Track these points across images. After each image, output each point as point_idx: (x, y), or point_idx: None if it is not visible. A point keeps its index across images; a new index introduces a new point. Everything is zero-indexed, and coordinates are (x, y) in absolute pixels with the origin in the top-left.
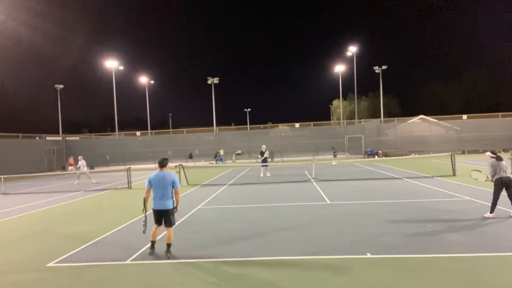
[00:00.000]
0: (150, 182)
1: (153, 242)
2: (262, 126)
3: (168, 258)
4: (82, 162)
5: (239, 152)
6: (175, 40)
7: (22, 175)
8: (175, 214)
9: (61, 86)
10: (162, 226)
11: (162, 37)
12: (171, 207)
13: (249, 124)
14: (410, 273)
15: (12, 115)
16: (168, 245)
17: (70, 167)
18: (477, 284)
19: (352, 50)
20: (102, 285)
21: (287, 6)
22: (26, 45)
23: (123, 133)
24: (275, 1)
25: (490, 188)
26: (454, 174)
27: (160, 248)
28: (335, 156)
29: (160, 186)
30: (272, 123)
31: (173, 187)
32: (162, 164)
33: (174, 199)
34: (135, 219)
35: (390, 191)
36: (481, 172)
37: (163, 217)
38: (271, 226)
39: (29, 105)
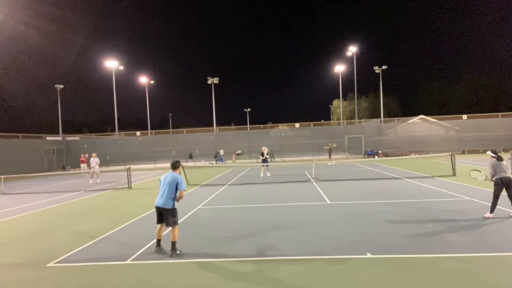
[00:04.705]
0: (160, 181)
1: (158, 240)
2: (262, 126)
3: (171, 256)
4: (95, 160)
5: (239, 152)
6: (175, 40)
7: (22, 175)
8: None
9: (61, 86)
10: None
11: (162, 37)
12: (170, 207)
13: (249, 124)
14: (410, 273)
15: (12, 115)
16: (172, 244)
17: (82, 165)
18: (477, 284)
19: (352, 50)
20: (102, 285)
21: (287, 7)
22: (26, 45)
23: (123, 133)
24: (275, 1)
25: (490, 188)
26: (454, 174)
27: (166, 246)
28: (330, 156)
29: (165, 185)
30: (272, 123)
31: (177, 188)
32: (174, 166)
33: (175, 201)
34: (135, 219)
35: (390, 191)
36: (480, 171)
37: (164, 216)
38: (271, 226)
39: (29, 105)
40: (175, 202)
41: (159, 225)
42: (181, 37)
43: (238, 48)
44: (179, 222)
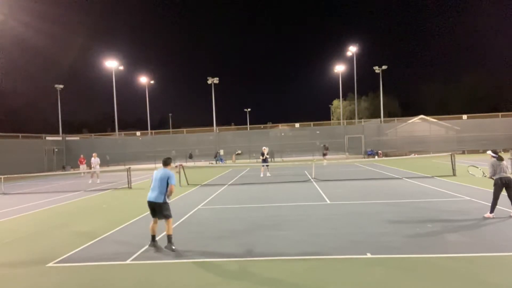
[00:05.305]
0: (152, 177)
1: (152, 236)
2: (262, 126)
3: (166, 248)
4: (95, 160)
5: (239, 152)
6: (175, 40)
7: (22, 175)
8: (169, 203)
9: (61, 86)
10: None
11: (162, 37)
12: (161, 201)
13: (249, 124)
14: (410, 273)
15: (12, 115)
16: (168, 237)
17: (81, 166)
18: (477, 284)
19: (352, 50)
20: (102, 285)
21: (287, 7)
22: (26, 45)
23: (123, 133)
24: (275, 1)
25: (490, 188)
26: (454, 174)
27: (162, 244)
28: (324, 155)
29: (157, 181)
30: (272, 123)
31: (168, 183)
32: (166, 162)
33: (166, 196)
34: (135, 219)
35: (390, 191)
36: (477, 168)
37: (156, 210)
38: (271, 226)
39: (29, 105)
40: (167, 198)
41: (153, 220)
42: (181, 37)
43: (238, 48)
44: (179, 222)
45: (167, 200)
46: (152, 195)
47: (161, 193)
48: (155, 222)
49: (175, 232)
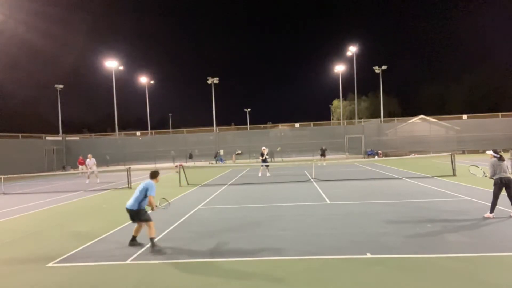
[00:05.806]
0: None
1: (133, 236)
2: (262, 126)
3: (151, 252)
4: (91, 161)
5: (239, 152)
6: (175, 40)
7: (22, 175)
8: (152, 213)
9: (61, 86)
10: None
11: (162, 37)
12: (135, 209)
13: (249, 124)
14: (410, 273)
15: (12, 115)
16: (150, 240)
17: (80, 166)
18: (477, 284)
19: (352, 50)
20: (102, 285)
21: (287, 7)
22: (26, 45)
23: (123, 133)
24: (275, 1)
25: (490, 188)
26: (454, 174)
27: (164, 245)
28: (321, 156)
29: (137, 190)
30: (272, 123)
31: (146, 193)
32: (153, 175)
33: (141, 204)
34: None
35: (390, 191)
36: (478, 167)
37: (134, 217)
38: (271, 226)
39: (29, 105)
40: (145, 208)
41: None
42: (181, 37)
43: (238, 48)
44: (179, 222)
45: (145, 208)
46: (129, 202)
47: (136, 201)
48: (137, 227)
49: (175, 232)
